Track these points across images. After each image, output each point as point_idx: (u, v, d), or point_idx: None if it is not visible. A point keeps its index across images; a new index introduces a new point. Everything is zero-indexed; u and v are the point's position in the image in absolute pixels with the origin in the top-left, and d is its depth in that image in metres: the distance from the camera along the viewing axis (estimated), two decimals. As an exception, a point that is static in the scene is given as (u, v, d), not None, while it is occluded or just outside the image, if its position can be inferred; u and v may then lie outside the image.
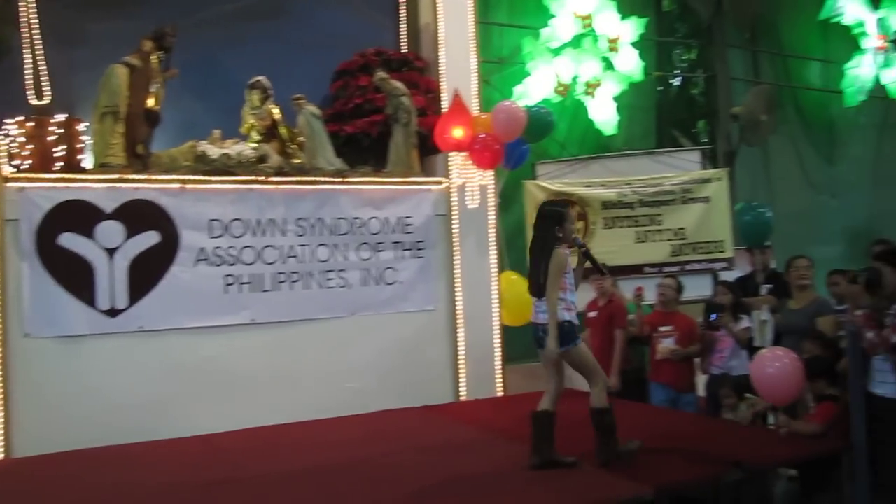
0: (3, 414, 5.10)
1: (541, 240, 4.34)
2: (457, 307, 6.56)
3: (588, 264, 4.59)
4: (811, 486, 5.32)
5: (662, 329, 6.17)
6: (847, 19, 10.80)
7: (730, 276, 7.68)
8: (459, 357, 6.54)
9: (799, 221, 10.75)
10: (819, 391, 4.88)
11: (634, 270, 7.63)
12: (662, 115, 10.76)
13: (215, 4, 6.93)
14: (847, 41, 11.12)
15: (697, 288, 7.56)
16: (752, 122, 9.29)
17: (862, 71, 10.91)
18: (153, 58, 5.93)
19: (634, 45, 8.76)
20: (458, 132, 6.50)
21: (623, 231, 7.85)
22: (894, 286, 4.47)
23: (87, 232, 5.42)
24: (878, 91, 11.22)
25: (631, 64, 8.72)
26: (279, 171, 6.07)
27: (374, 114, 6.76)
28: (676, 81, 11.43)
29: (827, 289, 6.18)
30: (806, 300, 5.69)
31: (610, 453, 4.22)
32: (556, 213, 4.35)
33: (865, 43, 10.96)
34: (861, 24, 10.88)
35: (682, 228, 7.87)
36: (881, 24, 11.03)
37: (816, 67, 11.71)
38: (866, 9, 10.92)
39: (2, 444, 5.09)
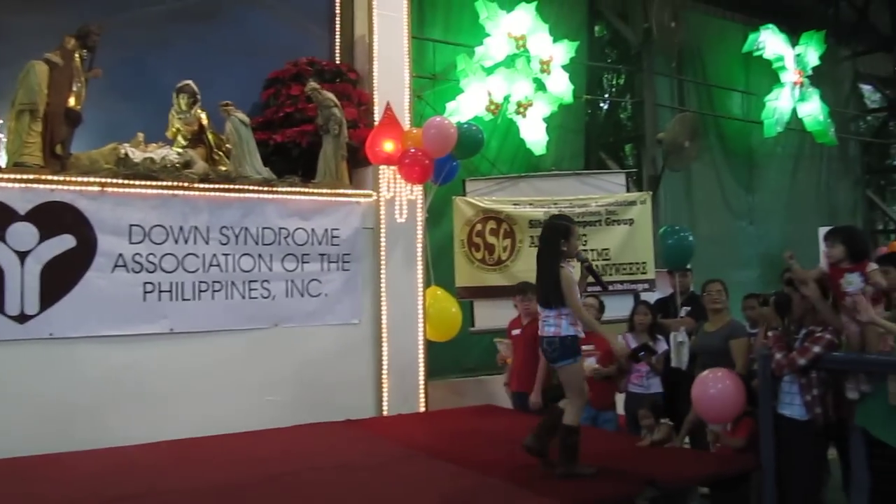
0: None
1: (546, 252, 4.54)
2: (382, 321, 6.53)
3: (591, 279, 4.86)
4: (722, 504, 5.50)
5: (584, 349, 6.22)
6: (768, 54, 11.30)
7: (651, 297, 7.87)
8: (383, 371, 6.50)
9: (718, 246, 11.16)
10: None
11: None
12: (591, 138, 11.01)
13: (144, 5, 6.74)
14: (767, 74, 11.64)
15: (620, 308, 7.70)
16: (674, 147, 9.58)
17: (780, 103, 11.42)
18: (76, 56, 5.74)
19: (566, 67, 8.94)
20: (388, 146, 6.50)
21: (549, 250, 7.94)
22: (802, 311, 4.67)
23: (-2, 233, 5.21)
24: (794, 123, 11.76)
25: (562, 86, 8.89)
26: (204, 178, 5.94)
27: (305, 124, 6.70)
28: (605, 105, 11.72)
29: (742, 312, 6.39)
30: (720, 323, 5.86)
31: (568, 469, 4.35)
32: (562, 226, 4.52)
33: (784, 77, 11.49)
34: (781, 59, 11.41)
35: (606, 249, 8.04)
36: (798, 59, 11.59)
37: (738, 98, 12.22)
38: (785, 44, 11.45)
39: None
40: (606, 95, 11.73)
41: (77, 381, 5.40)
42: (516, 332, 6.52)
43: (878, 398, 4.31)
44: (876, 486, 4.42)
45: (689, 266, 7.31)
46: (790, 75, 11.49)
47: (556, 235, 4.49)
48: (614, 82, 11.98)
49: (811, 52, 11.71)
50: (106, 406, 5.45)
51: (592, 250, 7.98)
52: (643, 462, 4.71)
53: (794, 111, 11.59)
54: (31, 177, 5.33)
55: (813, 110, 11.74)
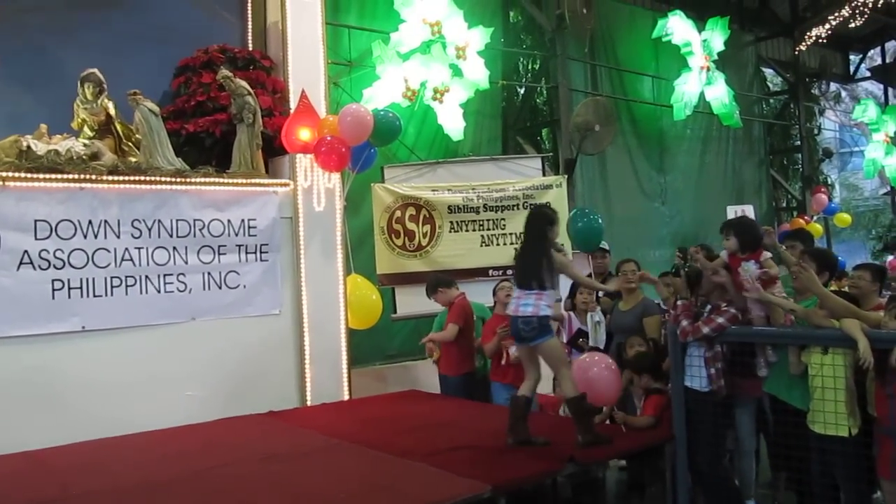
0: None
1: (533, 237, 4.88)
2: (303, 311, 6.48)
3: None
4: (639, 477, 5.72)
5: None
6: (676, 39, 11.65)
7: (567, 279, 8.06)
8: (305, 361, 6.46)
9: (632, 226, 11.50)
10: (646, 385, 5.26)
11: (480, 273, 7.84)
12: (508, 123, 11.15)
13: (44, -11, 6.49)
14: (676, 59, 12.00)
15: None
16: (585, 131, 9.80)
17: (688, 87, 11.81)
18: (-30, 44, 5.48)
19: (481, 53, 9.01)
20: (304, 134, 6.43)
21: (469, 235, 8.05)
22: (710, 287, 4.89)
23: None
24: (702, 106, 12.18)
25: (478, 72, 8.96)
26: (113, 170, 5.76)
27: (218, 112, 6.55)
28: (521, 90, 11.87)
29: (656, 289, 6.63)
30: (634, 301, 6.07)
31: (589, 434, 4.64)
32: (548, 214, 4.93)
33: (691, 62, 11.87)
34: (688, 44, 11.78)
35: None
36: (705, 45, 11.99)
37: (648, 82, 12.55)
38: (692, 30, 11.82)
39: None
40: (522, 81, 11.87)
41: (-16, 384, 5.19)
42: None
43: (783, 367, 4.64)
44: (776, 440, 4.95)
45: (606, 247, 7.51)
46: (697, 60, 11.88)
47: (543, 221, 4.87)
48: (530, 67, 12.12)
49: (717, 38, 12.13)
50: (17, 408, 5.25)
51: (511, 234, 8.11)
52: (562, 439, 4.83)
53: (701, 95, 12.00)
54: (-75, 172, 5.08)
55: (719, 94, 12.17)
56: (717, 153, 13.80)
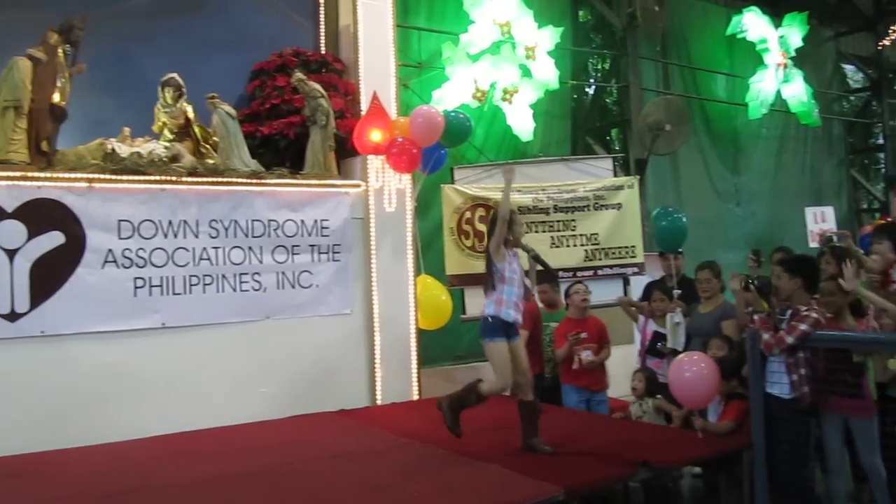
0: None
1: (489, 239, 4.77)
2: (373, 311, 6.54)
3: (539, 267, 5.07)
4: (715, 484, 5.57)
5: (583, 335, 6.24)
6: (751, 36, 11.36)
7: (640, 281, 7.93)
8: (375, 360, 6.52)
9: (705, 228, 11.22)
10: (728, 390, 5.11)
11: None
12: (577, 123, 11.04)
13: (126, -2, 6.72)
14: (751, 56, 11.69)
15: (610, 292, 7.75)
16: (656, 130, 9.62)
17: (764, 85, 11.49)
18: (60, 51, 5.69)
19: (551, 53, 8.95)
20: (376, 135, 6.50)
21: (538, 236, 7.98)
22: (789, 291, 4.72)
23: (-14, 231, 5.18)
24: (779, 105, 11.83)
25: (548, 72, 8.90)
26: (192, 172, 5.92)
27: (292, 115, 6.67)
28: (591, 90, 11.74)
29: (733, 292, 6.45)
30: (713, 304, 5.93)
31: (448, 412, 4.63)
32: (510, 216, 4.72)
33: (768, 59, 11.54)
34: (764, 41, 11.47)
35: (594, 234, 8.07)
36: (782, 41, 11.64)
37: (722, 81, 12.26)
38: (769, 26, 11.49)
39: None
40: (592, 80, 11.74)
41: (70, 378, 5.38)
42: None
43: None
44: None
45: (680, 249, 7.35)
46: (774, 57, 11.55)
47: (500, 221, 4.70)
48: (599, 67, 12.00)
49: (794, 34, 11.77)
50: (99, 402, 5.44)
51: (581, 235, 8.02)
52: (636, 444, 4.75)
53: (778, 93, 11.67)
54: (18, 174, 5.30)
55: (797, 91, 11.81)
56: (794, 153, 13.37)
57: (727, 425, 4.94)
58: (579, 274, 7.82)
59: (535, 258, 4.95)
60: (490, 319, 4.60)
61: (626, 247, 8.13)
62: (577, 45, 10.97)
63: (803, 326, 4.51)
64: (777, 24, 11.65)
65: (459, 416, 4.62)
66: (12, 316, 5.24)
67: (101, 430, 5.24)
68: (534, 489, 3.90)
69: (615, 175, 8.47)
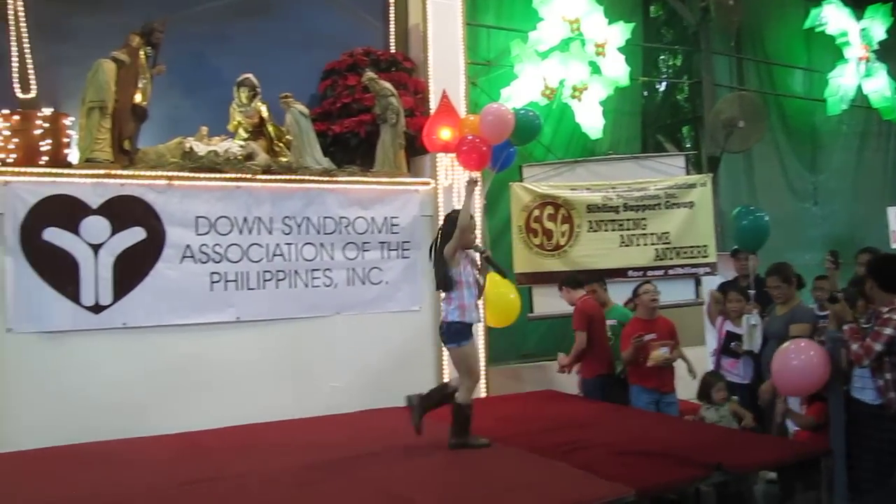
0: (-16, 409, 5.07)
1: (441, 243, 4.76)
2: (441, 308, 6.55)
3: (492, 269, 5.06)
4: (791, 490, 5.41)
5: (647, 338, 6.15)
6: (831, 29, 10.95)
7: (713, 281, 7.76)
8: (443, 358, 6.54)
9: (781, 228, 10.81)
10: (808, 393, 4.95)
11: (619, 274, 7.65)
12: (648, 120, 10.85)
13: (204, 1, 6.90)
14: (830, 50, 11.28)
15: (681, 293, 7.62)
16: (729, 127, 9.38)
17: (844, 80, 11.07)
18: (141, 53, 5.90)
19: (621, 49, 8.81)
20: (445, 133, 6.53)
21: (608, 234, 7.89)
22: (880, 300, 4.52)
23: (73, 227, 5.40)
24: (860, 100, 11.38)
25: (618, 69, 8.77)
26: (266, 170, 6.06)
27: (362, 113, 6.78)
28: (662, 87, 11.53)
29: (811, 293, 6.25)
30: (788, 307, 5.76)
31: (460, 440, 4.71)
32: (452, 217, 4.78)
33: (848, 52, 11.12)
34: (844, 34, 11.04)
35: (665, 233, 7.92)
36: (864, 34, 11.19)
37: (800, 76, 11.86)
38: (850, 19, 11.07)
39: (-17, 439, 5.05)
40: (663, 77, 11.52)
41: (149, 369, 5.59)
42: None
43: None
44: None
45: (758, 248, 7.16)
46: (855, 50, 11.10)
47: (452, 227, 4.72)
48: (671, 63, 11.75)
49: (877, 26, 11.30)
50: (176, 393, 5.63)
51: (652, 234, 7.89)
52: (708, 446, 4.66)
53: (859, 87, 11.22)
54: (102, 172, 5.52)
55: (879, 86, 11.33)
56: (876, 150, 12.82)
57: (810, 420, 4.82)
58: (649, 274, 7.69)
59: (487, 259, 4.93)
60: (457, 324, 4.69)
61: (698, 246, 7.95)
62: (648, 41, 10.76)
63: (888, 330, 4.34)
64: (859, 17, 11.20)
65: (469, 432, 4.75)
66: (96, 308, 5.46)
67: (179, 420, 5.42)
68: (604, 489, 3.86)
69: (687, 173, 8.30)
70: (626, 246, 7.90)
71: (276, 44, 7.02)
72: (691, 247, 7.94)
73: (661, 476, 4.13)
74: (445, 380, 6.53)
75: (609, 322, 6.44)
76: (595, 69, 8.68)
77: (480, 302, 6.66)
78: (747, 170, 11.04)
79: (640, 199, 7.92)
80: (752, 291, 6.20)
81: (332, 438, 5.16)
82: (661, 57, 11.62)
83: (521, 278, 7.79)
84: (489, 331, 6.83)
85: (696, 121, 10.94)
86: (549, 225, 7.77)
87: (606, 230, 7.89)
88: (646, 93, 10.93)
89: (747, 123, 9.50)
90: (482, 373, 6.64)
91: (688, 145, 11.19)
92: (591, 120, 8.68)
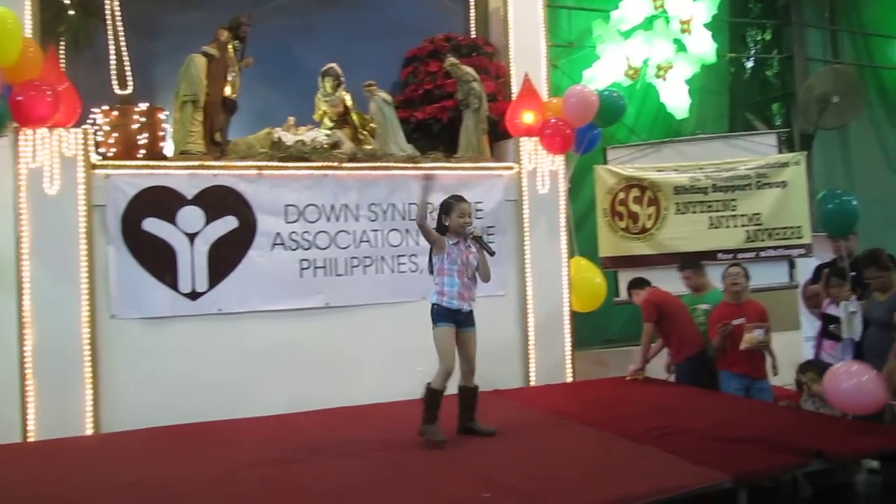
0: (92, 391, 5.33)
1: (437, 227, 4.77)
2: (527, 292, 6.56)
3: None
4: (894, 481, 5.18)
5: (736, 322, 5.98)
6: (933, -5, 10.36)
7: (808, 263, 7.48)
8: (529, 342, 6.54)
9: (880, 207, 10.36)
10: None
11: (707, 256, 7.44)
12: (736, 98, 10.49)
13: (288, -8, 7.06)
14: (933, 18, 10.67)
15: (773, 276, 7.38)
16: (822, 103, 8.99)
17: (949, 49, 10.46)
18: (230, 47, 6.06)
19: (707, 26, 8.55)
20: (528, 117, 6.49)
21: (696, 216, 7.70)
22: None
23: (170, 217, 5.61)
24: (968, 70, 10.74)
25: (704, 45, 8.51)
26: (352, 158, 6.15)
27: (445, 99, 6.80)
28: (751, 63, 11.13)
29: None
30: (888, 293, 5.49)
31: (421, 428, 4.64)
32: (444, 204, 4.78)
33: (953, 19, 10.51)
34: (948, 0, 10.42)
35: (757, 214, 7.67)
36: (970, -1, 10.55)
37: (900, 46, 11.26)
38: (955, -17, 10.45)
39: (91, 419, 5.32)
40: (752, 52, 11.12)
41: (243, 353, 5.77)
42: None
43: None
44: None
45: (848, 233, 6.86)
46: (960, 17, 10.49)
47: (441, 212, 4.77)
48: (760, 38, 11.32)
49: (984, -10, 10.64)
50: (268, 376, 5.79)
51: (743, 215, 7.66)
52: (807, 433, 4.51)
53: (964, 57, 10.59)
54: (196, 163, 5.71)
55: None
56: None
57: None
58: (739, 256, 7.48)
59: (475, 239, 4.77)
60: (434, 307, 4.73)
61: (792, 227, 7.68)
62: (735, 15, 10.39)
63: None
64: (964, -19, 10.57)
65: (437, 423, 4.64)
66: (193, 295, 5.67)
67: (273, 402, 5.59)
68: (699, 475, 3.79)
69: (779, 152, 8.01)
70: (715, 228, 7.70)
71: (358, 33, 7.12)
72: (784, 228, 7.66)
73: (758, 463, 4.01)
74: (531, 369, 6.54)
75: (703, 306, 6.29)
76: (680, 47, 8.46)
77: (565, 285, 6.67)
78: (843, 147, 10.57)
79: (729, 179, 7.70)
80: (852, 274, 5.93)
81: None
82: (750, 32, 11.21)
83: (607, 262, 7.69)
84: (574, 315, 6.77)
85: (787, 97, 10.53)
86: (634, 208, 7.65)
87: (694, 212, 7.71)
88: (733, 69, 10.57)
89: (842, 98, 9.10)
90: (569, 355, 6.64)
91: (778, 123, 10.77)
92: (676, 99, 8.47)
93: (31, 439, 5.18)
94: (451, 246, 4.70)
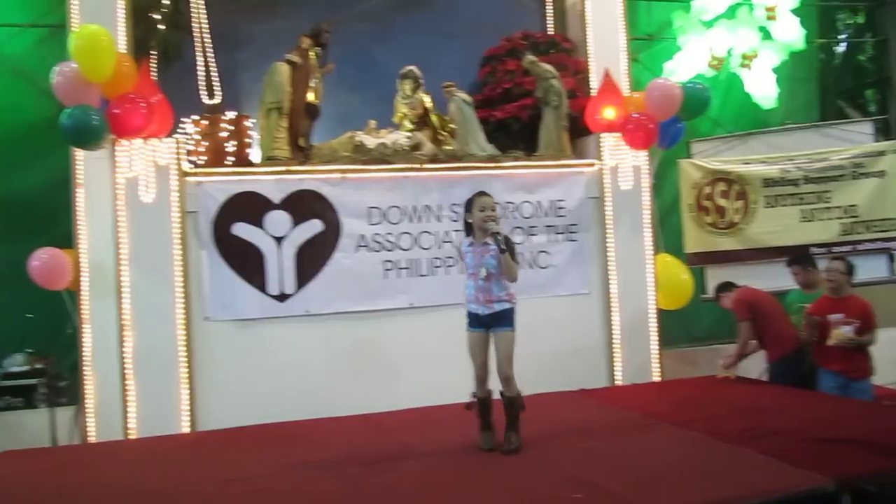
0: (188, 391, 5.53)
1: (464, 227, 4.57)
2: (611, 291, 6.46)
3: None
4: None
5: (833, 318, 5.75)
6: None
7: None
8: (614, 341, 6.45)
9: None
10: None
11: (800, 251, 7.19)
12: (826, 86, 10.08)
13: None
14: None
15: (872, 270, 7.06)
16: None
17: None
18: (311, 54, 6.18)
19: (795, 11, 8.25)
20: (609, 113, 6.40)
21: (787, 210, 7.44)
22: None
23: (258, 221, 5.77)
24: None
25: (791, 32, 8.21)
26: (433, 159, 6.19)
27: (524, 98, 6.77)
28: (842, 48, 10.68)
29: None
30: None
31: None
32: (466, 202, 4.50)
33: None
34: None
35: (853, 206, 7.36)
36: None
37: None
38: None
39: (188, 418, 5.52)
40: (843, 37, 10.66)
41: (330, 354, 5.89)
42: None
43: None
44: None
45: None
46: None
47: (464, 210, 4.52)
48: (851, 21, 10.85)
49: None
50: (354, 376, 5.90)
51: (837, 207, 7.36)
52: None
53: None
54: (282, 168, 5.85)
55: None
56: None
57: None
58: (834, 250, 7.18)
59: (493, 236, 4.32)
60: (468, 312, 4.53)
61: (891, 219, 7.33)
62: (825, -1, 10.02)
63: None
64: None
65: (487, 431, 4.53)
66: (281, 297, 5.81)
67: (359, 402, 5.66)
68: (799, 478, 3.64)
69: (876, 140, 7.66)
70: (808, 221, 7.43)
71: (435, 35, 7.16)
72: (884, 219, 7.33)
73: (862, 465, 3.84)
74: (617, 368, 6.44)
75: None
76: (766, 34, 8.19)
77: (651, 282, 6.53)
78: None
79: (822, 170, 7.42)
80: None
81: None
82: (840, 15, 10.75)
83: (693, 258, 7.51)
84: (660, 313, 6.63)
85: (882, 83, 10.04)
86: (721, 202, 7.45)
87: (785, 205, 7.46)
88: (823, 55, 10.16)
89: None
90: (656, 354, 6.51)
91: (873, 110, 10.29)
92: (763, 89, 8.20)
93: (131, 436, 5.41)
94: (468, 249, 4.48)
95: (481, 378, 4.50)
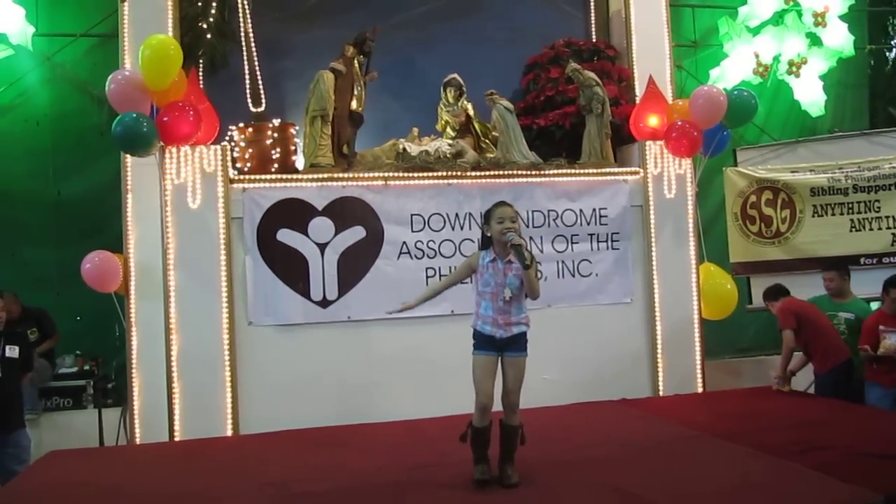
0: (231, 395, 5.60)
1: (481, 240, 4.26)
2: (654, 300, 6.39)
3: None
4: None
5: (883, 329, 5.62)
6: None
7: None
8: (657, 351, 6.37)
9: None
10: None
11: (850, 261, 7.04)
12: (876, 92, 9.90)
13: (408, 8, 7.22)
14: None
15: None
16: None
17: None
18: (355, 62, 6.23)
19: (844, 17, 8.11)
20: (653, 120, 6.35)
21: (835, 219, 7.31)
22: None
23: (302, 228, 5.83)
24: None
25: (840, 38, 8.08)
26: (475, 166, 6.20)
27: (566, 105, 6.74)
28: (893, 54, 10.46)
29: None
30: None
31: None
32: (485, 213, 4.18)
33: None
34: None
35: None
36: None
37: None
38: None
39: (231, 421, 5.59)
40: (894, 42, 10.44)
41: (373, 360, 5.91)
42: None
43: None
44: None
45: None
46: None
47: (483, 222, 4.19)
48: (903, 27, 10.63)
49: None
50: (397, 382, 5.91)
51: (888, 217, 7.20)
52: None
53: None
54: (326, 175, 5.91)
55: None
56: None
57: None
58: (885, 261, 7.03)
59: (514, 249, 3.92)
60: (473, 331, 4.16)
61: (946, 229, 7.17)
62: (875, 4, 9.81)
63: None
64: None
65: (481, 463, 4.11)
66: (324, 303, 5.86)
67: (401, 408, 5.69)
68: (846, 493, 3.58)
69: (929, 148, 7.49)
70: (857, 231, 7.28)
71: (478, 42, 7.19)
72: (937, 230, 7.17)
73: (913, 481, 3.76)
74: (660, 379, 6.37)
75: (845, 315, 5.96)
76: (814, 41, 8.07)
77: (695, 292, 6.45)
78: None
79: (872, 178, 7.27)
80: None
81: (547, 429, 5.15)
82: (892, 21, 10.54)
83: (738, 268, 7.42)
84: (704, 323, 6.55)
85: (934, 89, 9.83)
86: (767, 211, 7.35)
87: (833, 214, 7.33)
88: (873, 62, 9.97)
89: None
90: (699, 365, 6.42)
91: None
92: (810, 96, 8.08)
93: (176, 439, 5.50)
94: (487, 264, 4.06)
95: (486, 407, 4.04)
